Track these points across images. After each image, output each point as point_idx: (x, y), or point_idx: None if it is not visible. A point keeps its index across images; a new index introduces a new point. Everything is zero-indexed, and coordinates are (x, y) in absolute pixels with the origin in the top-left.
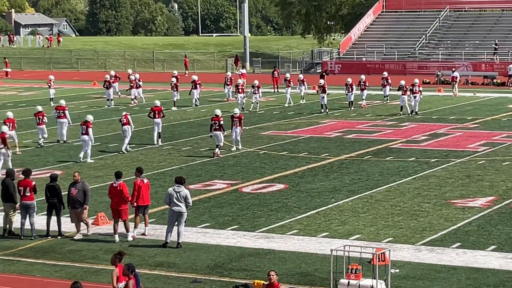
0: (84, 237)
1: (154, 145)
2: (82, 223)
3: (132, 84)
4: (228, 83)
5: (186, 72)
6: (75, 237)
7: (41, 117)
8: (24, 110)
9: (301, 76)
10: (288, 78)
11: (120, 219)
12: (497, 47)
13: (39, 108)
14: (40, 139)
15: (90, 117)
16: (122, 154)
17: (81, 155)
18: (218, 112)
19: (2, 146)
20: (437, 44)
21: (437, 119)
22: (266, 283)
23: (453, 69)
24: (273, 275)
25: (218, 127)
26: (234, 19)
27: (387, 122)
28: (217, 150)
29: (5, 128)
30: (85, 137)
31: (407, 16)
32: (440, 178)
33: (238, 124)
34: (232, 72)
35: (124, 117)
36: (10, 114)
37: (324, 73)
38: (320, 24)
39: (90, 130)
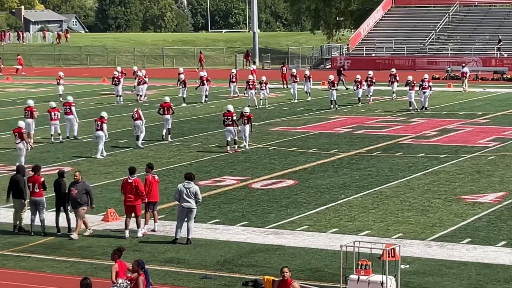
0: (93, 232)
1: (163, 141)
2: (83, 221)
3: (140, 81)
4: (233, 79)
5: (198, 68)
6: (85, 233)
7: (56, 112)
8: (34, 107)
9: (307, 72)
10: (294, 74)
11: (134, 215)
12: (501, 42)
13: (53, 104)
14: (52, 135)
15: (104, 113)
16: (132, 150)
17: (101, 152)
18: (230, 107)
19: (19, 140)
20: (447, 39)
21: (447, 114)
22: (276, 279)
23: (463, 64)
24: (286, 272)
25: (230, 123)
26: (243, 15)
27: (396, 118)
28: (235, 146)
29: (21, 124)
30: (100, 132)
31: (416, 11)
32: (450, 174)
33: (247, 122)
34: (243, 67)
35: (136, 112)
36: (30, 102)
37: (341, 68)
38: (329, 20)
39: (104, 125)
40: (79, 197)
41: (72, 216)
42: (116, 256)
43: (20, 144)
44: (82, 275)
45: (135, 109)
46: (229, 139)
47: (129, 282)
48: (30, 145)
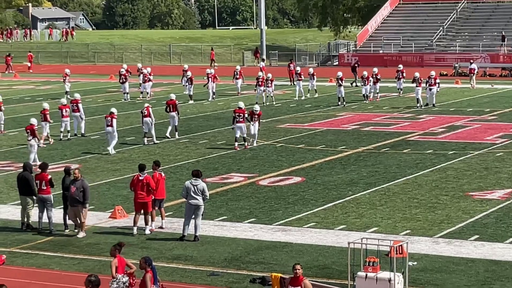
0: (86, 235)
1: (169, 138)
2: (75, 220)
3: (146, 78)
4: (238, 76)
5: (215, 65)
6: (79, 235)
7: (68, 109)
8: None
9: (311, 70)
10: (298, 71)
11: (144, 212)
12: (505, 39)
13: (64, 101)
14: (61, 132)
15: (114, 110)
16: (139, 147)
17: (110, 148)
18: (242, 104)
19: (31, 137)
20: (455, 36)
21: (455, 111)
22: (284, 276)
23: (471, 61)
24: (298, 269)
25: (241, 120)
26: (250, 12)
27: (404, 115)
28: (246, 143)
29: (33, 121)
30: (110, 128)
31: (424, 7)
32: (458, 171)
33: (256, 120)
34: (252, 64)
35: (146, 109)
36: (45, 105)
37: (356, 65)
38: (336, 17)
39: (114, 121)
40: (77, 195)
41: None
42: (117, 251)
43: (31, 141)
44: (90, 272)
45: (146, 105)
46: (238, 135)
47: (128, 278)
48: (49, 141)
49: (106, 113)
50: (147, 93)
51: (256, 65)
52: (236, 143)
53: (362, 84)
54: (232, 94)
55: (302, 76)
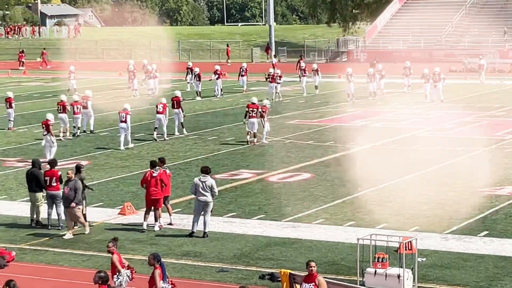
0: (73, 237)
1: (180, 135)
2: (69, 223)
3: (151, 75)
4: (243, 73)
5: (229, 62)
6: (65, 236)
7: (79, 106)
8: (50, 101)
9: (314, 65)
10: (303, 68)
11: (155, 208)
12: (506, 34)
13: (76, 97)
14: (74, 127)
15: (128, 105)
16: (148, 144)
17: (122, 144)
18: (255, 100)
19: (46, 132)
20: (464, 31)
21: (464, 107)
22: (294, 272)
23: (480, 56)
24: (313, 266)
25: (254, 115)
26: (259, 8)
27: (413, 111)
28: (255, 139)
29: (50, 116)
30: (123, 124)
31: (433, 3)
32: (467, 167)
33: (266, 116)
34: (261, 61)
35: (162, 106)
36: (63, 97)
37: (374, 62)
38: (345, 13)
39: (128, 117)
40: (70, 195)
41: (89, 209)
42: (114, 247)
43: (47, 136)
44: (99, 269)
45: (163, 102)
46: (250, 130)
47: (130, 271)
48: (62, 139)
49: (115, 110)
50: (151, 89)
51: (268, 61)
52: (248, 136)
53: (369, 81)
54: (240, 90)
55: (306, 72)
